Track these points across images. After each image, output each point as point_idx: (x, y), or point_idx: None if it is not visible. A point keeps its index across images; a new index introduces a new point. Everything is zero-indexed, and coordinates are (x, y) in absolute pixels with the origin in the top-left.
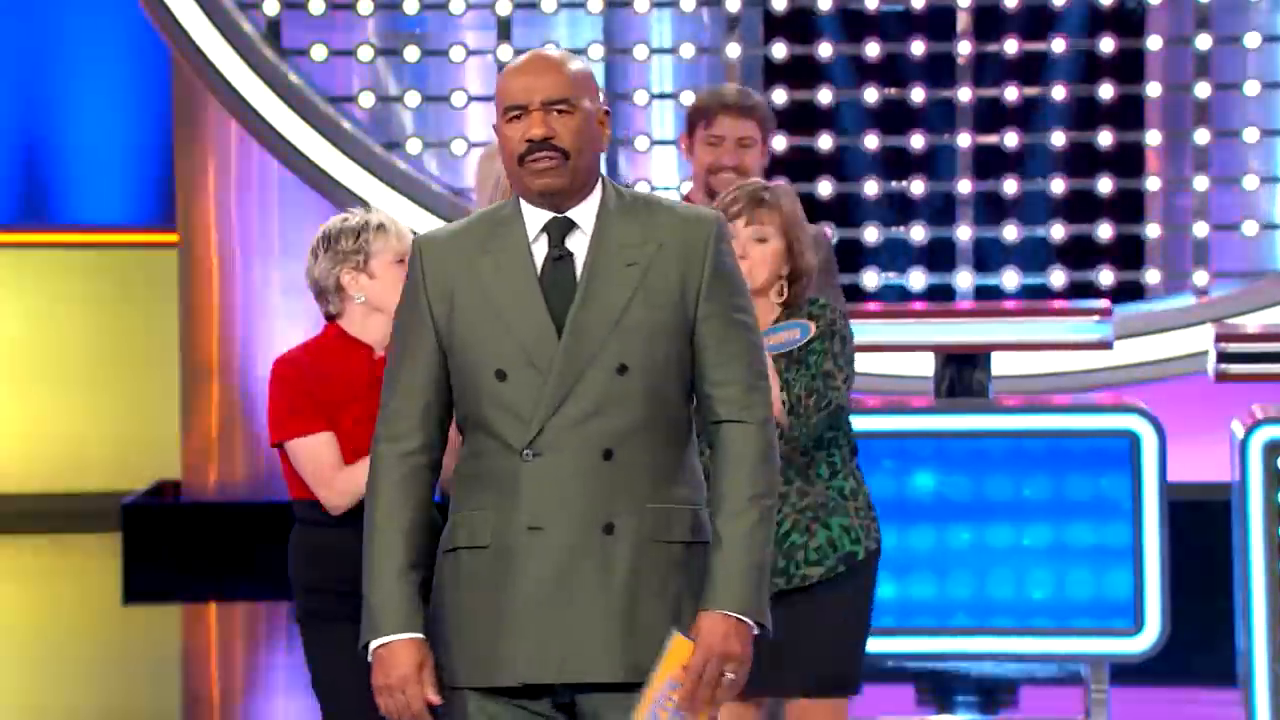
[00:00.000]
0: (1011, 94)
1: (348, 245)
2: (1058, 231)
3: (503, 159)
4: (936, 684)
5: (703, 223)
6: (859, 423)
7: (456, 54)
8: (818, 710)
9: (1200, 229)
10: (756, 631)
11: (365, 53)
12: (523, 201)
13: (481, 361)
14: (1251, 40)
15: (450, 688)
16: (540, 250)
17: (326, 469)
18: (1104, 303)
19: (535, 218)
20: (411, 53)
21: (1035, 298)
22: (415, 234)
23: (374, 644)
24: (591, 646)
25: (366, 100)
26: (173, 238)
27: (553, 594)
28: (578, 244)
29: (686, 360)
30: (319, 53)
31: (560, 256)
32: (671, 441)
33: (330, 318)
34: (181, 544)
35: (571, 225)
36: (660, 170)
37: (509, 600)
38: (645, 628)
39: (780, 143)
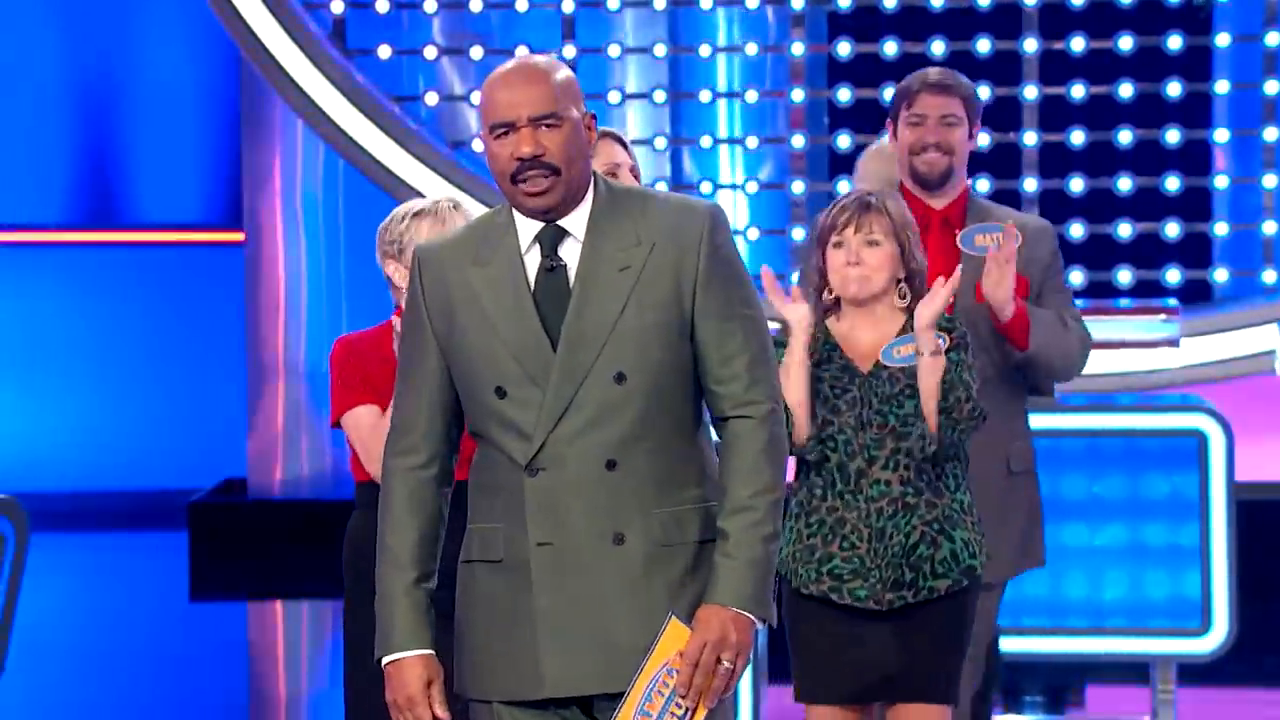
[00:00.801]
0: (1078, 92)
1: (390, 235)
2: (1124, 230)
3: (493, 175)
4: (1004, 683)
5: (695, 215)
6: None
7: (520, 53)
8: (920, 714)
9: (1269, 227)
10: (760, 626)
11: (430, 52)
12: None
13: (481, 379)
14: None
15: (475, 699)
16: (533, 261)
17: (367, 439)
18: (1171, 301)
19: (528, 227)
20: (476, 52)
21: (1102, 296)
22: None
23: (385, 660)
24: (614, 657)
25: (432, 99)
26: (239, 236)
27: (571, 609)
28: (570, 252)
29: (687, 358)
30: (384, 52)
31: (553, 267)
32: (676, 442)
33: (397, 307)
34: (248, 541)
35: (564, 233)
36: (725, 168)
37: (528, 615)
38: None
39: (845, 141)
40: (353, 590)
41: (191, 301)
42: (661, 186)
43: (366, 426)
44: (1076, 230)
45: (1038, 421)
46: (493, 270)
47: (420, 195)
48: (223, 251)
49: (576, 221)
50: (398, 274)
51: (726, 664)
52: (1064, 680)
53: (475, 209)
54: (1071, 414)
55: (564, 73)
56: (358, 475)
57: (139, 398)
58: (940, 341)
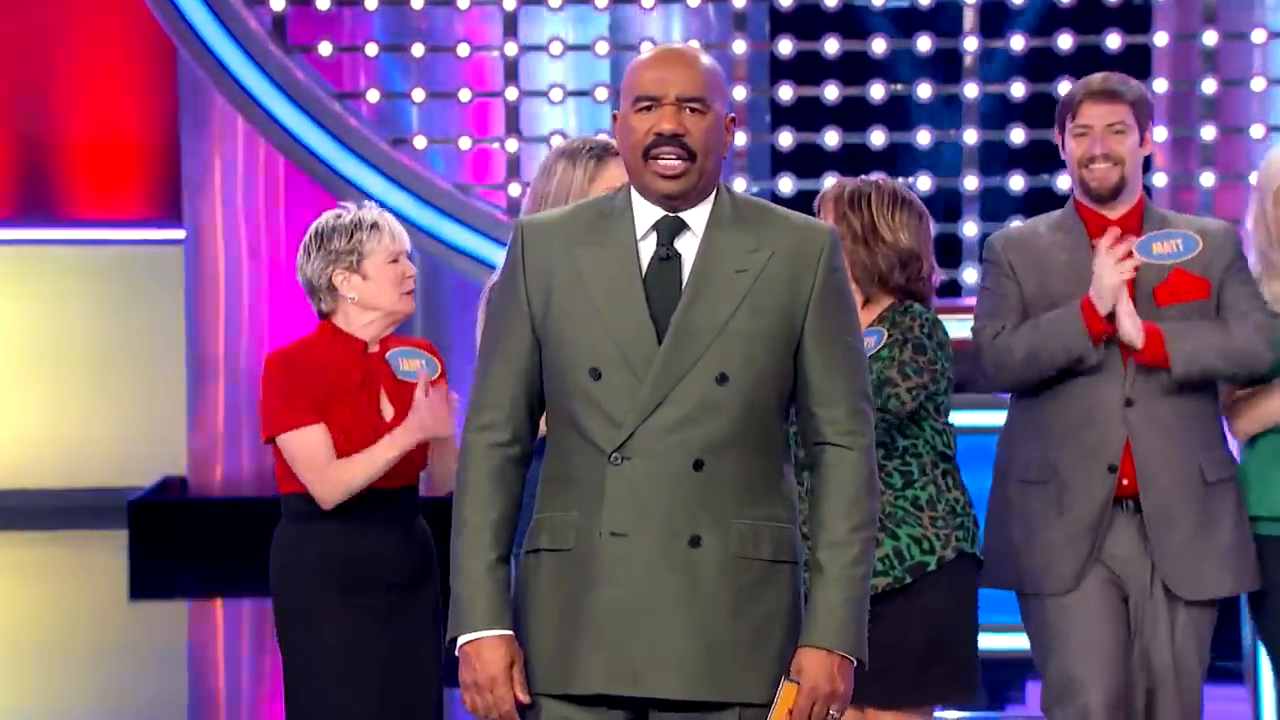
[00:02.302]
0: (1018, 90)
1: (341, 245)
2: None
3: (623, 150)
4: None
5: (817, 233)
6: None
7: (462, 50)
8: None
9: None
10: (855, 665)
11: (371, 49)
12: (635, 195)
13: (575, 357)
14: (1258, 36)
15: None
16: (647, 248)
17: (319, 462)
18: None
19: (646, 214)
20: (418, 49)
21: None
22: (520, 220)
23: (462, 640)
24: (669, 662)
25: (373, 96)
26: (178, 234)
27: (634, 604)
28: (686, 245)
29: (787, 373)
30: (325, 49)
31: (667, 257)
32: (763, 455)
33: (322, 315)
34: (187, 540)
35: (683, 226)
36: None
37: (589, 606)
38: (724, 647)
39: (786, 139)
40: (284, 603)
41: (131, 299)
42: None
43: (318, 451)
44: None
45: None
46: (604, 252)
47: (361, 192)
48: (163, 249)
49: (697, 217)
50: (346, 284)
51: (834, 714)
52: (1006, 676)
53: (409, 209)
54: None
55: (715, 66)
56: (284, 487)
57: (79, 396)
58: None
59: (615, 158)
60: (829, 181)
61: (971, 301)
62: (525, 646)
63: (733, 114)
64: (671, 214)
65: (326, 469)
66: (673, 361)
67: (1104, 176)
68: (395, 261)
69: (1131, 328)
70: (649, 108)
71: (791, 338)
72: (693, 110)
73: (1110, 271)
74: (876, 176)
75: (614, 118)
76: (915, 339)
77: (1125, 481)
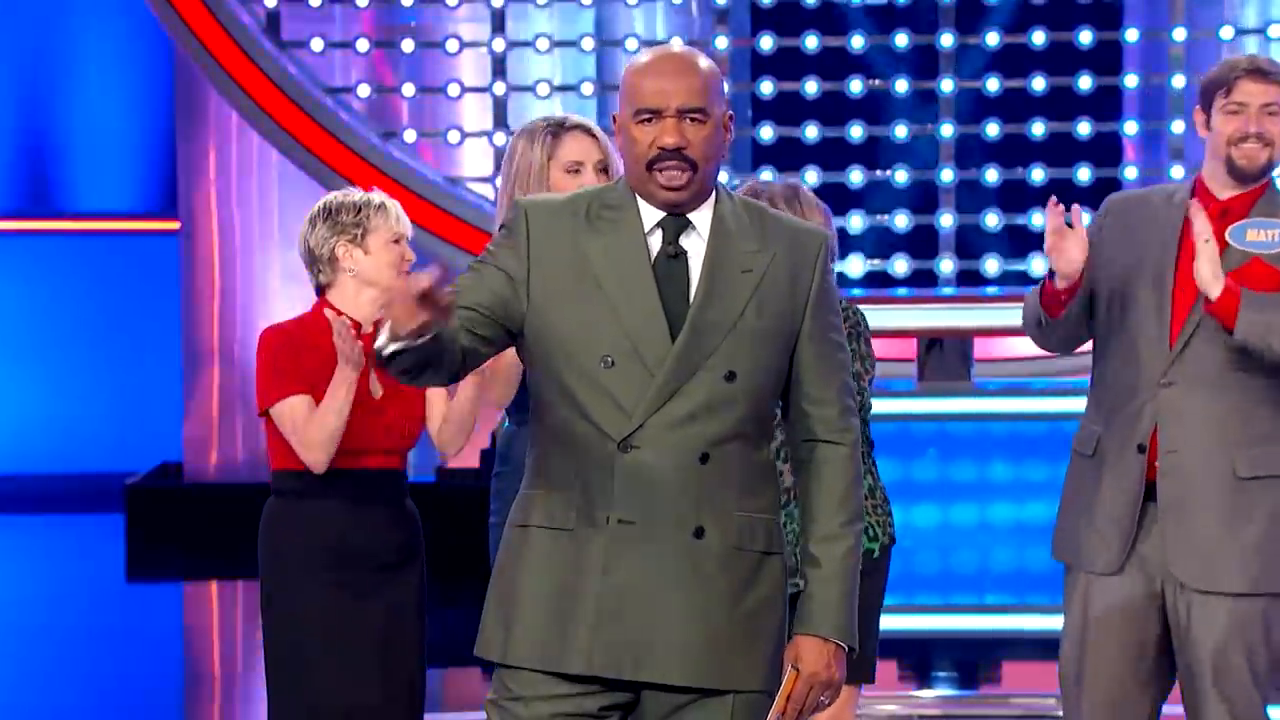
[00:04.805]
0: (993, 85)
1: (347, 218)
2: (1038, 219)
3: (624, 157)
4: (917, 660)
5: (813, 236)
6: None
7: (451, 46)
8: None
9: None
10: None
11: (362, 45)
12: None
13: (586, 343)
14: (1226, 33)
15: (509, 664)
16: (653, 244)
17: (303, 428)
18: None
19: (650, 212)
20: (407, 45)
21: (1019, 284)
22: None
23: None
24: (669, 648)
25: (364, 91)
26: (174, 225)
27: (636, 590)
28: (692, 244)
29: (784, 371)
30: (317, 45)
31: (675, 254)
32: (757, 450)
33: (319, 289)
34: (183, 524)
35: (687, 225)
36: None
37: (590, 589)
38: (722, 636)
39: (767, 133)
40: (269, 578)
41: (128, 288)
42: None
43: (301, 416)
44: (992, 220)
45: (955, 405)
46: (613, 241)
47: (352, 185)
48: (158, 239)
49: (701, 218)
50: (348, 257)
51: (825, 701)
52: (979, 656)
53: (404, 203)
54: (982, 398)
55: (713, 68)
56: (275, 463)
57: (77, 383)
58: None
59: (570, 131)
60: (809, 175)
61: (941, 292)
62: (516, 621)
63: (731, 113)
64: (675, 214)
65: (306, 434)
66: (687, 357)
67: (1254, 155)
68: (397, 243)
69: (1209, 275)
70: (649, 120)
71: (790, 338)
72: (693, 120)
73: (1203, 263)
74: (773, 179)
75: (614, 119)
76: (861, 332)
77: (1157, 464)
